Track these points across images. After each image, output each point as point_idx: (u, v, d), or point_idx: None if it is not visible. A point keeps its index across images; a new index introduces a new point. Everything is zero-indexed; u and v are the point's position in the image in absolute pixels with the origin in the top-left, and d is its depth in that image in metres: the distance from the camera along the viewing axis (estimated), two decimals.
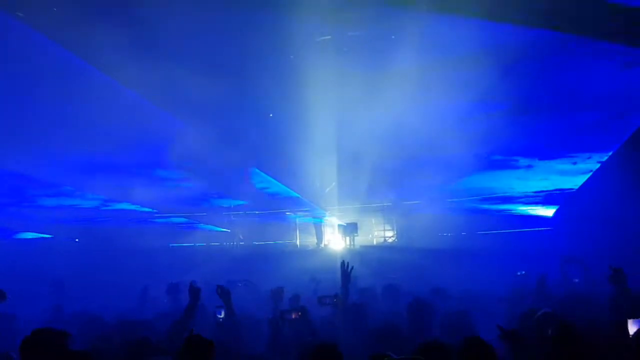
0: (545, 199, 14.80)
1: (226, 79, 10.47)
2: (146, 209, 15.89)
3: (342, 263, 6.13)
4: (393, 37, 10.20)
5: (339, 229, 15.29)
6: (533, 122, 12.45)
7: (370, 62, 10.74)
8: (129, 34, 9.40)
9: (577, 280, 7.15)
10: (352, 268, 6.08)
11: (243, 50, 10.15)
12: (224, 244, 16.23)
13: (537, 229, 14.75)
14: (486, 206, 15.55)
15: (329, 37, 10.42)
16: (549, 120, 12.35)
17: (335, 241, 15.54)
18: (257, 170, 14.57)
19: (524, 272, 10.30)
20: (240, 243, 16.31)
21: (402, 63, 10.17)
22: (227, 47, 10.07)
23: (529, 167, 13.96)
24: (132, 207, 15.72)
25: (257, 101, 11.48)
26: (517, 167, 14.09)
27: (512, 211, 15.38)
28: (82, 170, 13.34)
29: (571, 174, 13.79)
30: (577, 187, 13.85)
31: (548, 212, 15.00)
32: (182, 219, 16.62)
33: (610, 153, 12.72)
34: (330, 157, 12.79)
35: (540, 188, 14.50)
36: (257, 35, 9.83)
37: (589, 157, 13.19)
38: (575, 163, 13.41)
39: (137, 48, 9.61)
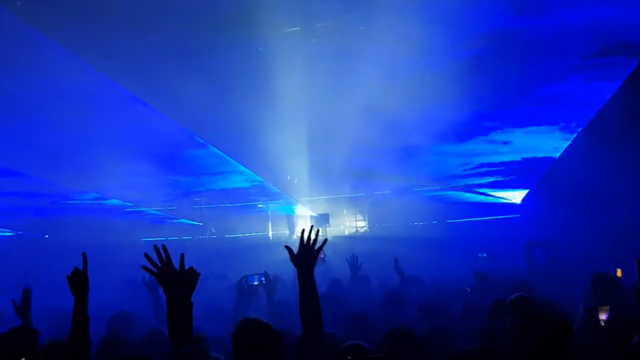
0: (516, 180, 14.87)
1: (193, 72, 10.36)
2: (116, 202, 15.66)
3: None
4: (362, 27, 10.21)
5: (311, 220, 15.32)
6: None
7: (339, 53, 10.73)
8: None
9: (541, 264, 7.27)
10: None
11: (211, 43, 10.06)
12: (196, 237, 16.13)
13: (507, 216, 14.98)
14: (456, 193, 15.68)
15: (298, 28, 10.38)
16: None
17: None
18: (230, 160, 14.42)
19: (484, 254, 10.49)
20: (213, 236, 16.25)
21: (372, 53, 10.19)
22: (194, 41, 9.97)
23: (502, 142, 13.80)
24: (100, 199, 15.48)
25: (226, 94, 11.37)
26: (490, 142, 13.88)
27: (482, 198, 15.57)
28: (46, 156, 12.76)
29: (545, 147, 13.60)
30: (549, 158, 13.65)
31: (518, 196, 15.19)
32: (154, 212, 16.45)
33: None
34: (300, 147, 12.77)
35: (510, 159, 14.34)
36: (225, 28, 9.75)
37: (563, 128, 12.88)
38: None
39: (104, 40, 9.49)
